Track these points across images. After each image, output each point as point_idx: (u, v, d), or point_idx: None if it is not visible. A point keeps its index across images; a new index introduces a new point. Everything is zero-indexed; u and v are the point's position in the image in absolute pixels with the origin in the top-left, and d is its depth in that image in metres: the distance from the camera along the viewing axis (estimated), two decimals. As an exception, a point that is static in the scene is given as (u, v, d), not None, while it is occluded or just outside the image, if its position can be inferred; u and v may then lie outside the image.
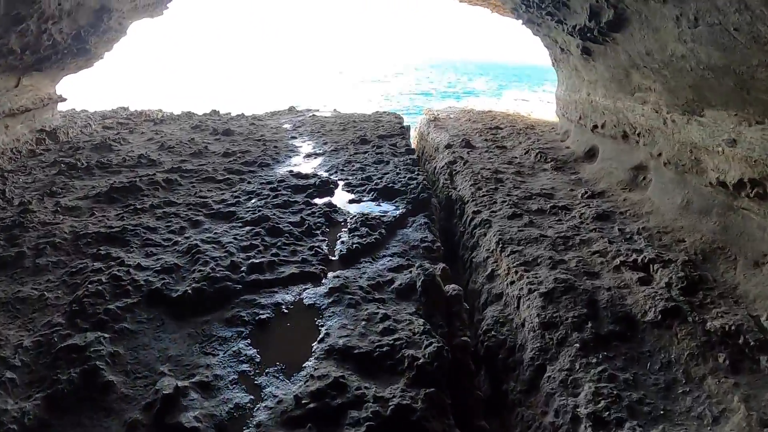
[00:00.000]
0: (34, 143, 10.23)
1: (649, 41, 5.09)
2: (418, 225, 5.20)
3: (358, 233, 4.70)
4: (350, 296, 3.59)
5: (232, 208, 5.39)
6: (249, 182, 6.53)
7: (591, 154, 8.23)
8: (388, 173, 6.78)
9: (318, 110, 13.42)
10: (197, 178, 6.86)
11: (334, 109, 13.65)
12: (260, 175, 6.89)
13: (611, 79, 6.82)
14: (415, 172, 6.86)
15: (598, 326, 3.93)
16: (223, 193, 6.14)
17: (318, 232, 4.76)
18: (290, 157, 8.06)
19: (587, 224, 5.72)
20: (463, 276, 5.50)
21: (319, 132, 10.14)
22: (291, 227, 4.75)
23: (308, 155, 8.12)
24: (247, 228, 4.71)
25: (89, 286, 3.90)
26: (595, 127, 7.82)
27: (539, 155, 8.48)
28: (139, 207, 5.61)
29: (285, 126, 10.91)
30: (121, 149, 9.25)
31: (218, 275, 3.77)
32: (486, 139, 10.21)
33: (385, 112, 13.40)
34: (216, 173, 7.07)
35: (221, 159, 7.84)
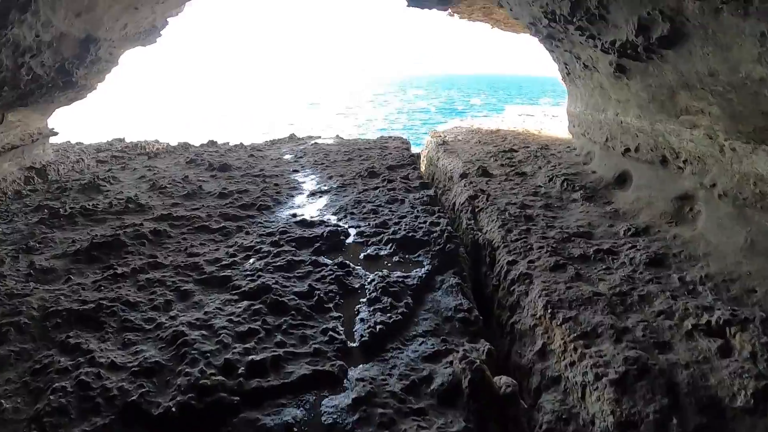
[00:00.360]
0: (22, 182, 9.56)
1: (713, 60, 4.33)
2: (449, 287, 4.39)
3: (381, 305, 3.88)
4: (381, 410, 2.76)
5: (227, 271, 4.58)
6: (247, 232, 5.75)
7: (622, 180, 7.46)
8: (405, 216, 5.99)
9: (320, 137, 12.72)
10: (189, 228, 6.08)
11: (337, 136, 12.96)
12: (260, 222, 6.10)
13: (650, 99, 6.06)
14: (436, 214, 6.07)
15: (683, 420, 3.12)
16: (217, 248, 5.34)
17: (331, 305, 3.94)
18: (292, 196, 7.28)
19: (641, 273, 4.90)
20: (501, 341, 4.67)
21: (322, 163, 9.39)
22: (298, 300, 3.93)
23: (312, 193, 7.34)
24: (245, 303, 3.90)
25: (51, 397, 3.09)
26: (627, 150, 7.07)
27: (565, 183, 7.71)
28: (119, 272, 4.81)
29: (286, 157, 10.18)
30: (109, 190, 8.53)
31: (209, 383, 2.94)
32: (502, 164, 9.46)
33: (390, 137, 12.69)
34: (210, 220, 6.29)
35: (216, 201, 7.07)
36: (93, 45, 8.78)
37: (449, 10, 18.72)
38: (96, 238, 5.84)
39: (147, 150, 13.41)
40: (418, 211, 6.23)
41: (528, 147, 11.10)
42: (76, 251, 5.64)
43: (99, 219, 6.89)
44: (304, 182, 8.09)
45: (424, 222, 5.75)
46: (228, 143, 12.99)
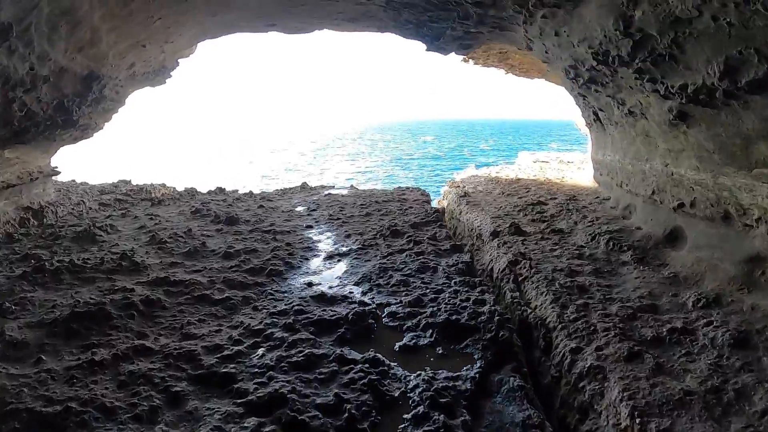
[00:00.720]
0: (16, 223, 8.83)
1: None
2: (510, 391, 3.46)
3: (431, 426, 2.94)
4: None
5: (230, 367, 3.65)
6: (255, 307, 4.85)
7: (674, 238, 6.62)
8: (441, 291, 5.11)
9: (333, 186, 12.05)
10: (187, 297, 5.19)
11: (351, 186, 12.29)
12: (270, 293, 5.22)
13: (716, 149, 5.29)
14: (478, 288, 5.19)
15: None
16: (218, 328, 4.43)
17: (365, 424, 2.99)
18: (307, 258, 6.44)
19: (728, 359, 4.00)
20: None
21: (338, 218, 8.61)
22: (322, 418, 2.98)
23: (330, 256, 6.49)
24: (253, 422, 2.95)
25: None
26: (681, 205, 6.26)
27: (611, 242, 6.88)
28: (98, 359, 3.90)
29: (298, 209, 9.44)
30: (105, 240, 7.75)
31: None
32: (533, 219, 8.67)
33: (408, 188, 12.00)
34: (212, 287, 5.41)
35: (221, 263, 6.22)
36: (96, 82, 8.25)
37: (464, 56, 18.42)
38: (78, 306, 4.97)
39: (152, 195, 12.74)
40: (455, 283, 5.35)
41: (555, 198, 10.39)
42: (54, 320, 4.80)
43: (87, 278, 6.04)
44: (319, 241, 7.26)
45: (467, 300, 4.85)
46: (237, 191, 12.32)
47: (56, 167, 11.83)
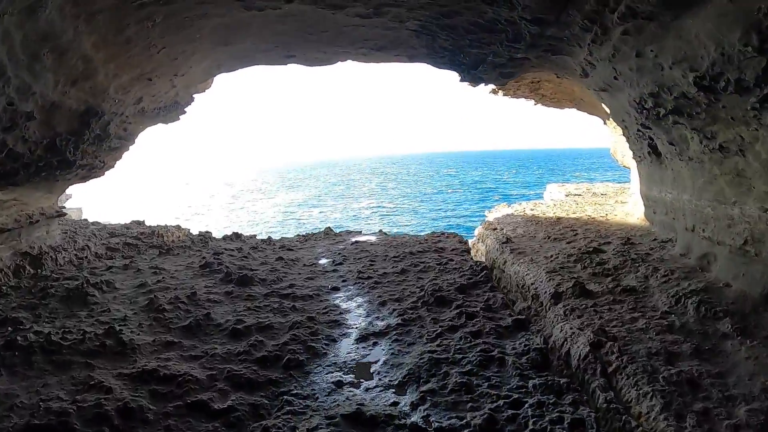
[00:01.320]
0: (10, 272, 7.92)
1: None
2: None
3: None
4: None
5: None
6: (266, 428, 3.51)
7: None
8: (519, 402, 3.70)
9: (360, 232, 10.80)
10: (177, 405, 3.89)
11: (380, 231, 11.03)
12: (288, 401, 3.88)
13: None
14: (567, 395, 3.81)
15: None
16: (215, 468, 3.11)
17: None
18: (335, 340, 5.09)
19: None
20: None
21: (368, 276, 7.29)
22: None
23: (363, 337, 5.11)
24: None
25: None
26: None
27: (701, 308, 5.40)
28: None
29: (322, 262, 8.20)
30: (97, 303, 6.66)
31: None
32: (595, 274, 7.20)
33: (443, 234, 10.68)
34: (212, 388, 4.11)
35: (225, 346, 4.92)
36: (95, 119, 7.27)
37: (494, 87, 17.43)
38: (37, 414, 3.76)
39: (163, 240, 11.72)
40: (535, 387, 3.93)
41: (609, 242, 9.00)
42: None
43: (62, 362, 4.87)
44: (348, 311, 5.93)
45: (559, 420, 3.43)
46: (255, 237, 11.20)
47: (63, 207, 10.94)
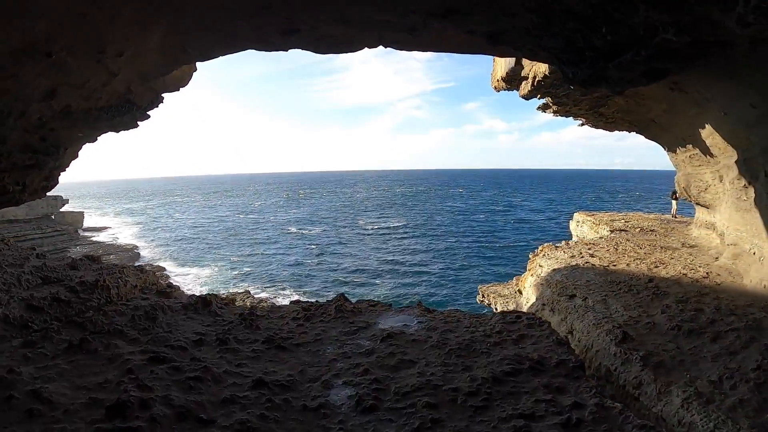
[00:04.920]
0: None
1: None
2: None
3: None
4: None
5: None
6: None
7: None
8: None
9: (389, 308, 7.08)
10: None
11: (419, 304, 7.34)
12: None
13: None
14: None
15: None
16: None
17: None
18: None
19: None
20: None
21: (428, 427, 3.62)
22: None
23: None
24: None
25: None
26: None
27: None
28: None
29: (335, 396, 4.50)
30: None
31: None
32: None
33: (516, 315, 6.96)
34: None
35: None
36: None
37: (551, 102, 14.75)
38: None
39: (109, 294, 8.09)
40: None
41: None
42: None
43: None
44: None
45: None
46: (233, 302, 7.54)
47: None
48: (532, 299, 12.12)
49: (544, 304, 10.87)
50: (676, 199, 24.54)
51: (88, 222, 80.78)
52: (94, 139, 9.77)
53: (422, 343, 5.84)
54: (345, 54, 7.49)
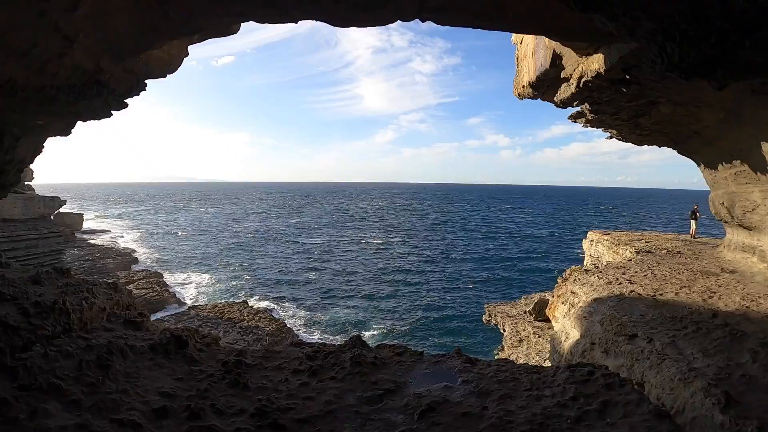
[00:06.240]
0: None
1: None
2: None
3: None
4: None
5: None
6: None
7: None
8: None
9: (421, 357, 5.38)
10: None
11: (458, 351, 5.63)
12: None
13: None
14: None
15: None
16: None
17: None
18: None
19: None
20: None
21: None
22: None
23: None
24: None
25: None
26: None
27: None
28: None
29: None
30: None
31: None
32: None
33: (607, 382, 5.23)
34: None
35: None
36: None
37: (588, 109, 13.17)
38: None
39: (78, 317, 6.45)
40: None
41: None
42: None
43: None
44: None
45: None
46: (213, 342, 5.85)
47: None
48: (574, 334, 10.34)
49: (593, 343, 9.15)
50: (695, 218, 24.36)
51: (86, 225, 79.24)
52: (66, 132, 8.15)
53: (477, 420, 4.13)
54: (366, 28, 5.85)
